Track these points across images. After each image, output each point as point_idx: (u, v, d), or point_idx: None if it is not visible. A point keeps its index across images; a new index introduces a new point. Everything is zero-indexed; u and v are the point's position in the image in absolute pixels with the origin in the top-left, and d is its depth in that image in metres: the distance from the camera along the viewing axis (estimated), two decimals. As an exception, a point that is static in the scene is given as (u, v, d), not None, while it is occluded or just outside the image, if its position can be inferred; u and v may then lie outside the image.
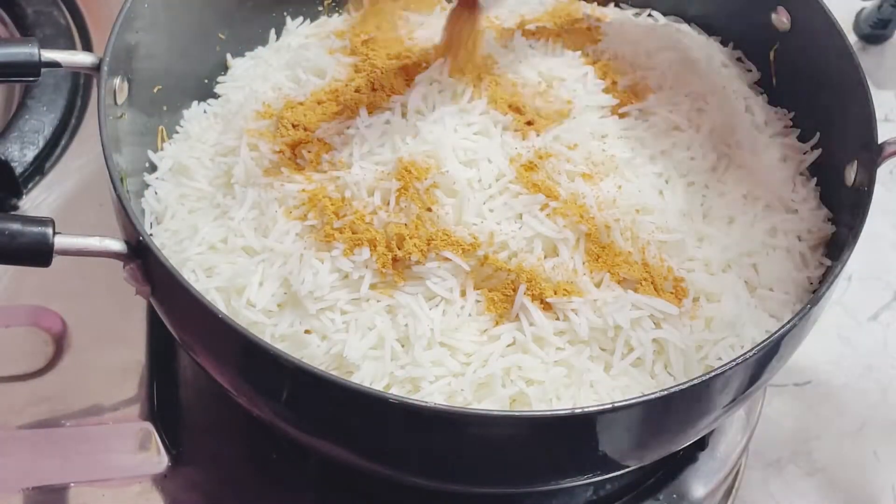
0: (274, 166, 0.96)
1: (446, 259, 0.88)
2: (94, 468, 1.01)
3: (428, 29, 1.06)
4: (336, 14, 1.15)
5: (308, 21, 1.13)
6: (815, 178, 1.02)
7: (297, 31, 1.12)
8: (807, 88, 1.04)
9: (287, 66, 1.05)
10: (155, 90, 1.00)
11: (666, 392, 0.78)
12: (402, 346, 0.86)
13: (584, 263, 0.89)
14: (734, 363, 0.80)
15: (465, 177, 0.91)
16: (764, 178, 0.99)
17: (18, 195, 1.16)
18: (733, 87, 1.05)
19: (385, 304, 0.88)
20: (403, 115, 0.96)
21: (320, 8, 1.14)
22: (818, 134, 1.03)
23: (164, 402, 1.04)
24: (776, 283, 0.93)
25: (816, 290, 0.91)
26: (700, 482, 1.04)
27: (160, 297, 0.88)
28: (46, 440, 1.02)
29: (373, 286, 0.88)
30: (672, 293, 0.89)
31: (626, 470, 0.95)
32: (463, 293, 0.88)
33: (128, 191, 0.93)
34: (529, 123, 0.97)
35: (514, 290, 0.87)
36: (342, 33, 1.07)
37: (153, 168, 1.00)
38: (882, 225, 1.28)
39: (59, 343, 1.07)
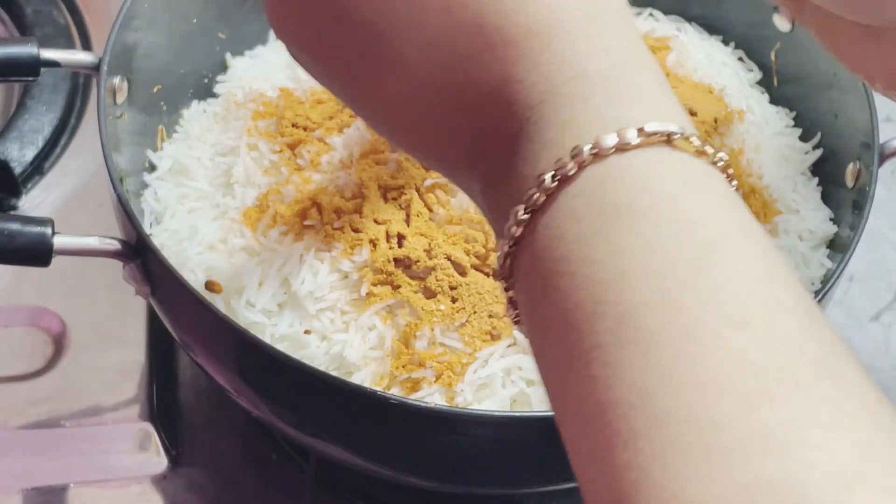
0: (274, 166, 0.96)
1: (447, 258, 0.88)
2: (93, 468, 1.00)
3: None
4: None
5: (308, 20, 1.13)
6: (817, 178, 1.02)
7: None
8: (808, 88, 1.04)
9: (287, 66, 1.05)
10: (155, 90, 1.00)
11: (667, 392, 0.78)
12: (403, 345, 0.86)
13: (585, 263, 0.89)
14: (735, 363, 0.80)
15: (465, 176, 0.91)
16: (765, 177, 0.99)
17: (18, 195, 1.16)
18: (734, 87, 1.05)
19: (385, 304, 0.88)
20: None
21: (320, 7, 1.14)
22: (819, 134, 1.03)
23: (164, 402, 1.04)
24: (777, 283, 0.93)
25: (817, 290, 0.91)
26: (701, 483, 1.03)
27: (160, 297, 0.88)
28: (46, 440, 1.01)
29: (373, 286, 0.88)
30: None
31: (627, 470, 0.95)
32: (464, 293, 0.88)
33: (127, 191, 0.93)
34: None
35: (515, 290, 0.87)
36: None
37: (153, 168, 1.00)
38: (883, 225, 1.27)
39: (59, 343, 1.07)
